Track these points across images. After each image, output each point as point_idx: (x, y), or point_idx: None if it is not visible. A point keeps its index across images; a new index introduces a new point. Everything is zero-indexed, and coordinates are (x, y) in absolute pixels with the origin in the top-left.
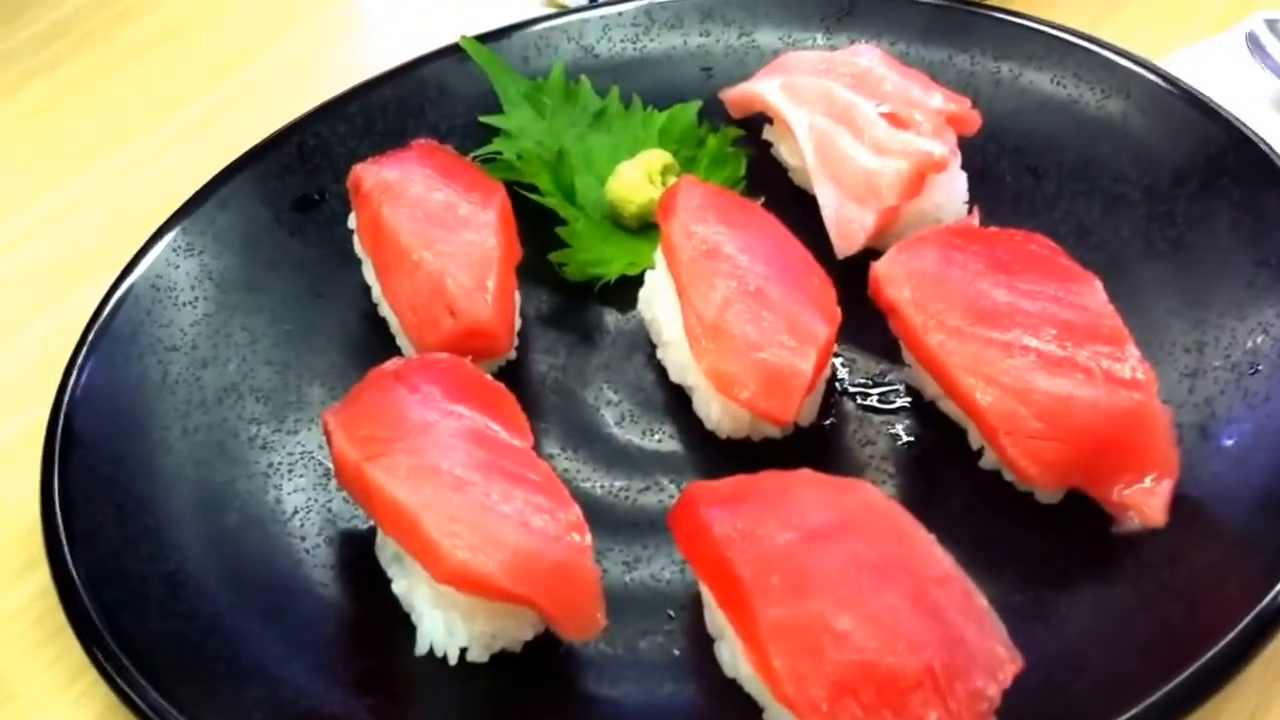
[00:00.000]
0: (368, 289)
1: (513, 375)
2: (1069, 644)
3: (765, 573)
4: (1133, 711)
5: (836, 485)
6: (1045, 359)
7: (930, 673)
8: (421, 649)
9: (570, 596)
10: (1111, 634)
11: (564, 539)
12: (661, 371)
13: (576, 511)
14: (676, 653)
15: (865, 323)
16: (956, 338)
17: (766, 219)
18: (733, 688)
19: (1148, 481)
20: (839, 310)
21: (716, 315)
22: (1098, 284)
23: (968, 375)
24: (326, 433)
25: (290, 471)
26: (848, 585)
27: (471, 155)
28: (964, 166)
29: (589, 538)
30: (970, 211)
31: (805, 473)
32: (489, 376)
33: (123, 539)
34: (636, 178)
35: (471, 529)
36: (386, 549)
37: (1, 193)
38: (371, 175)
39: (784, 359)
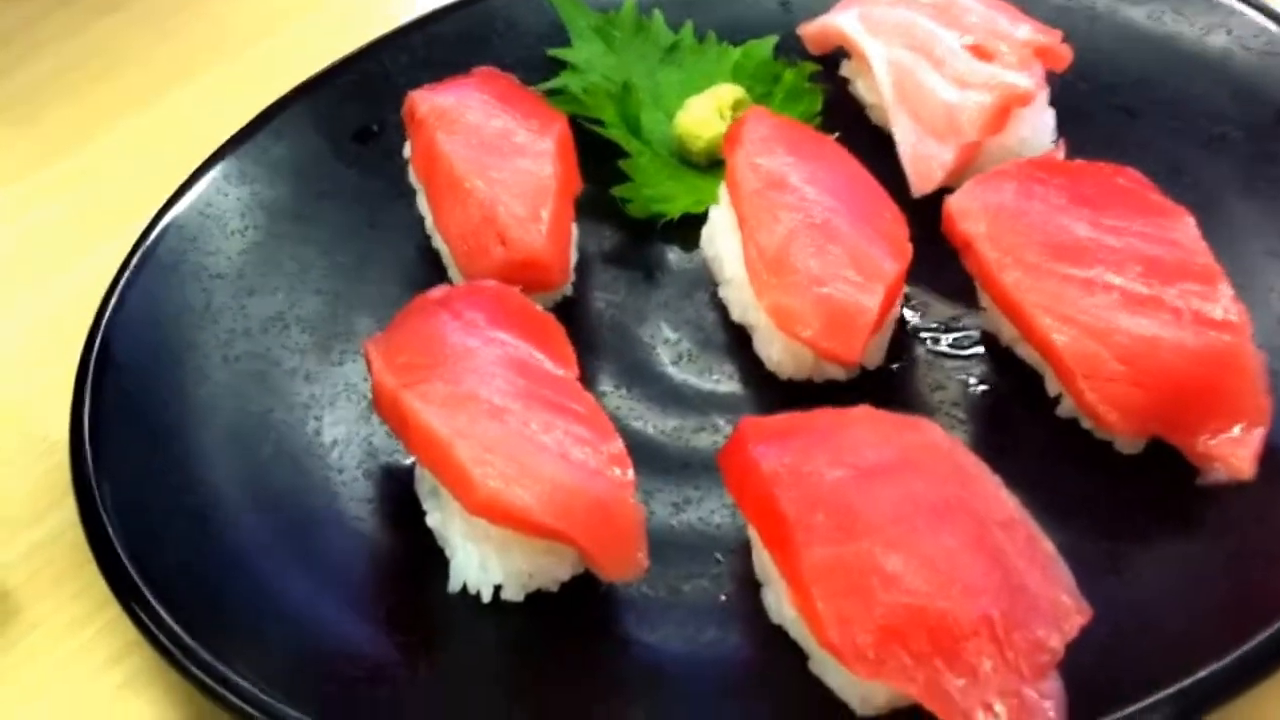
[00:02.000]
0: (423, 222)
1: (568, 311)
2: (1142, 600)
3: (812, 510)
4: (1205, 673)
5: (896, 423)
6: (1129, 297)
7: (987, 620)
8: (454, 586)
9: (610, 534)
10: (1188, 592)
11: (605, 473)
12: (723, 310)
13: (620, 445)
14: (722, 598)
15: (940, 265)
16: (1033, 275)
17: (838, 152)
18: (778, 635)
19: (1236, 431)
20: (910, 247)
21: (779, 249)
22: (1190, 219)
23: (1044, 314)
24: (367, 361)
25: (332, 404)
26: (901, 525)
27: (536, 89)
28: (1052, 103)
29: (632, 473)
30: (1055, 145)
31: (864, 409)
32: (539, 307)
33: (152, 467)
34: (706, 112)
35: (506, 459)
36: (424, 481)
37: (55, 130)
38: (426, 101)
39: (849, 295)
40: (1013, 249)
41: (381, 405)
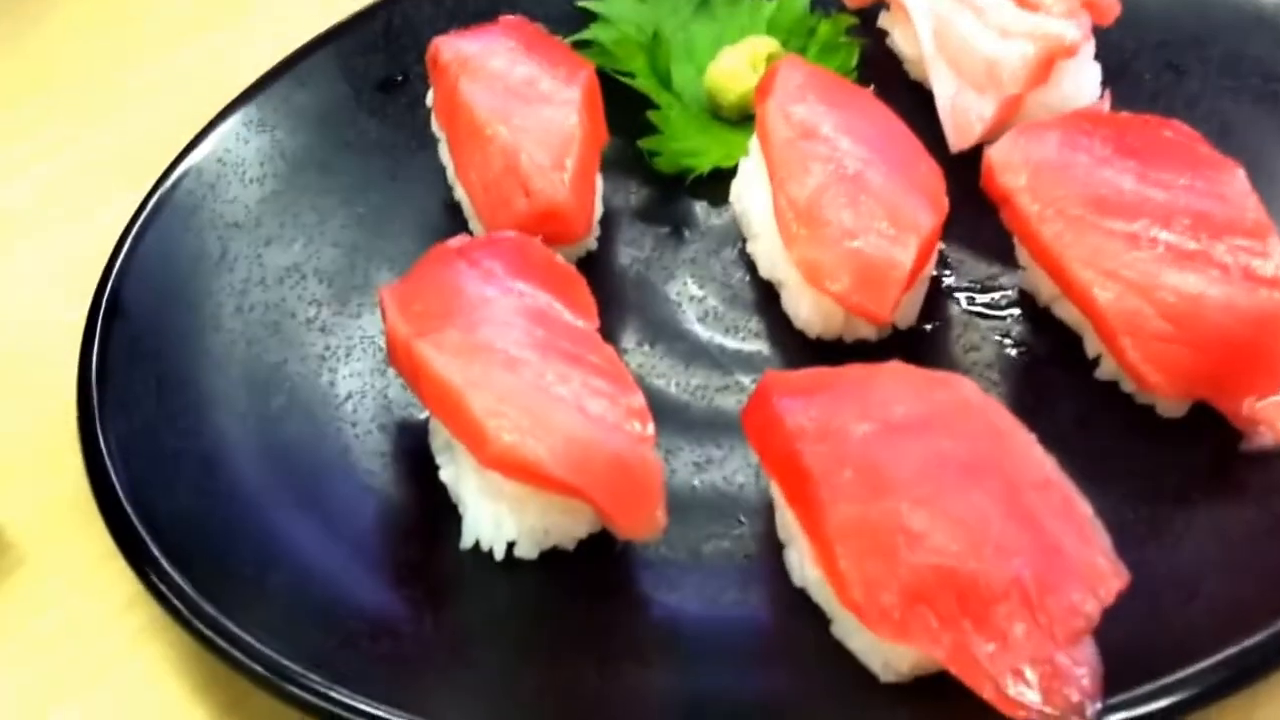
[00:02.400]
0: (446, 174)
1: (592, 266)
2: (1183, 567)
3: (838, 466)
4: (1248, 643)
5: (928, 378)
6: (1175, 253)
7: (1019, 583)
8: (466, 543)
9: (628, 490)
10: (1231, 559)
11: (624, 427)
12: (751, 267)
13: (640, 399)
14: (743, 559)
15: (977, 223)
16: (1076, 228)
17: (873, 103)
18: (800, 598)
19: None
20: (947, 201)
21: (810, 200)
22: (1240, 172)
23: (1086, 269)
24: (382, 310)
25: (348, 355)
26: (930, 483)
27: (565, 40)
28: (1098, 59)
29: (652, 427)
30: (1100, 99)
31: (894, 364)
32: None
33: (160, 413)
34: (738, 64)
35: (521, 410)
36: (438, 435)
37: (74, 81)
38: (450, 47)
39: (882, 249)
40: (1054, 202)
41: (395, 355)
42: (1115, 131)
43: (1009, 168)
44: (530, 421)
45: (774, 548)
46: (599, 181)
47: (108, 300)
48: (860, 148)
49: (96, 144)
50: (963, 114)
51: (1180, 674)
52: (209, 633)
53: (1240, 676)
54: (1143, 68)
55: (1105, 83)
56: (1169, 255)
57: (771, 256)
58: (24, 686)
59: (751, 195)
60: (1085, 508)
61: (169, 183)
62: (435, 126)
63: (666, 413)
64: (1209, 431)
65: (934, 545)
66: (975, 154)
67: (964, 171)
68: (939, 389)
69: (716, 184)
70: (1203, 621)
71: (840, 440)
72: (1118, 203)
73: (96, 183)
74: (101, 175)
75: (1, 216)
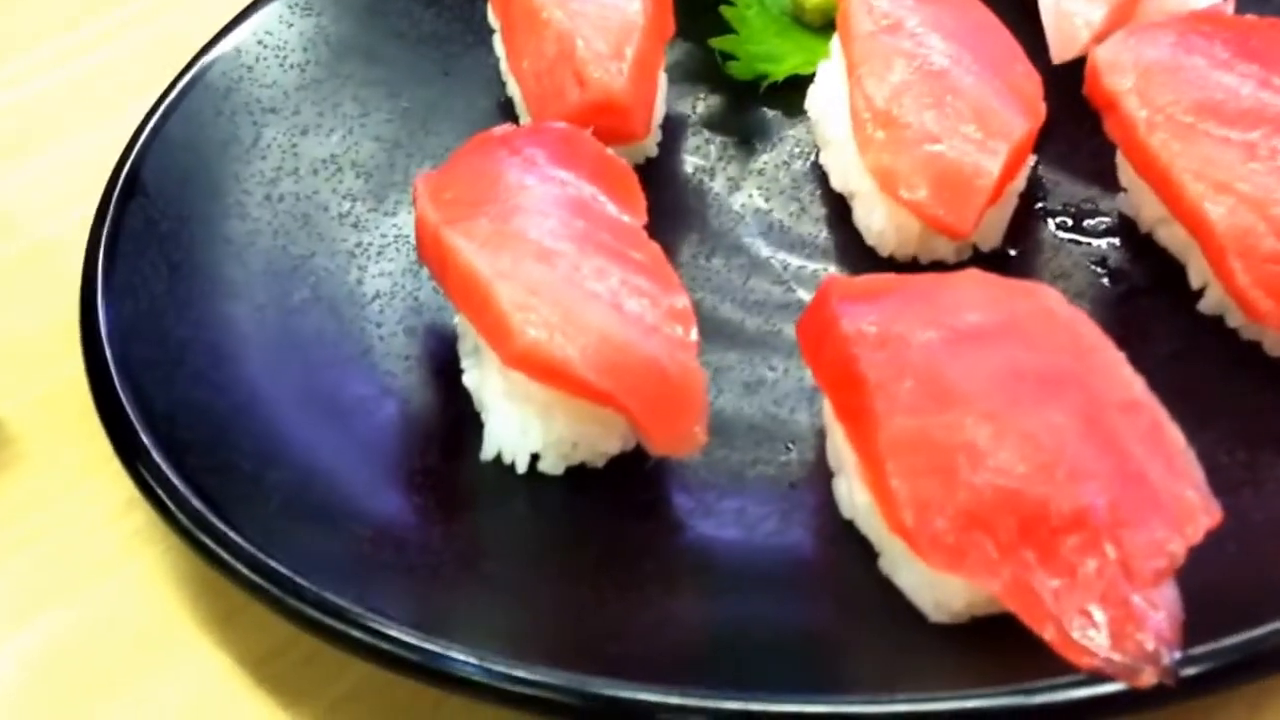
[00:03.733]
0: (500, 69)
1: (651, 172)
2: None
3: (897, 375)
4: None
5: (1008, 286)
6: None
7: (1093, 512)
8: (488, 453)
9: (664, 398)
10: None
11: (663, 330)
12: (824, 181)
13: (685, 300)
14: (788, 487)
15: (1078, 142)
16: (1186, 136)
17: (968, 1)
18: (847, 530)
19: None
20: (1044, 107)
21: (890, 99)
22: None
23: (1197, 181)
24: (415, 198)
25: (380, 254)
26: (999, 397)
27: None
28: None
29: (695, 333)
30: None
31: (971, 271)
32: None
33: (170, 299)
34: None
35: (551, 305)
36: (468, 338)
37: None
38: None
39: (967, 154)
40: (1164, 107)
41: (423, 246)
42: (1237, 34)
43: (1116, 68)
44: (560, 317)
45: (823, 477)
46: (662, 80)
47: (126, 177)
48: (950, 44)
49: (136, 38)
50: (1068, 19)
51: (1267, 627)
52: (191, 526)
53: None
54: None
55: None
56: None
57: (845, 165)
58: (14, 587)
59: (830, 99)
60: (1178, 436)
61: (203, 62)
62: (491, 15)
63: (718, 328)
64: None
65: (998, 464)
66: (1080, 66)
67: (1067, 85)
68: (1020, 297)
69: (794, 93)
70: None
71: (902, 347)
72: (1235, 110)
73: (133, 79)
74: (142, 65)
75: (34, 111)
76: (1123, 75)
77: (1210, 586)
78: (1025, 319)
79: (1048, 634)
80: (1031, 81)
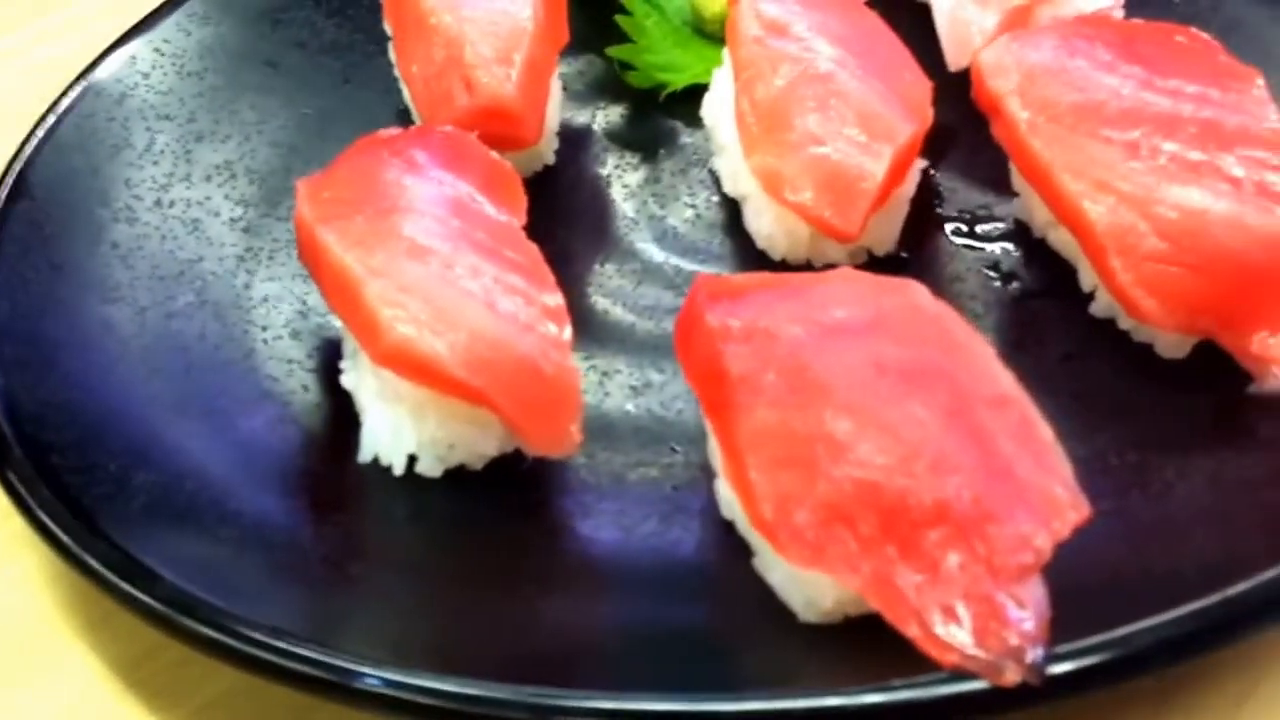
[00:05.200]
0: (396, 77)
1: (547, 181)
2: (1171, 516)
3: (760, 369)
4: (1237, 590)
5: (877, 283)
6: (1179, 164)
7: (956, 505)
8: (365, 456)
9: (538, 397)
10: (1227, 510)
11: (537, 328)
12: (720, 187)
13: (559, 299)
14: (670, 489)
15: (974, 150)
16: (1066, 137)
17: (858, 6)
18: (726, 531)
19: None
20: (931, 112)
21: (774, 102)
22: (1260, 81)
23: (1076, 180)
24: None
25: (270, 259)
26: (862, 390)
27: None
28: None
29: (569, 331)
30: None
31: (843, 269)
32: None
33: (48, 300)
34: None
35: (423, 302)
36: (349, 340)
37: None
38: None
39: (850, 157)
40: (1045, 108)
41: (301, 246)
42: (1122, 37)
43: (999, 71)
44: (431, 314)
45: (706, 480)
46: (557, 87)
47: (14, 181)
48: (837, 49)
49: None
50: (961, 27)
51: (1140, 625)
52: (48, 521)
53: (1208, 634)
54: None
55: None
56: (1171, 167)
57: (735, 170)
58: None
59: (722, 106)
60: (1046, 432)
61: (98, 69)
62: (387, 23)
63: (608, 332)
64: (1213, 374)
65: (858, 457)
66: None
67: (965, 93)
68: (888, 294)
69: (694, 102)
70: (1191, 572)
71: (767, 341)
72: (1117, 110)
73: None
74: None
75: None
76: (1006, 78)
77: (1094, 587)
78: (893, 314)
79: (910, 630)
80: (920, 86)
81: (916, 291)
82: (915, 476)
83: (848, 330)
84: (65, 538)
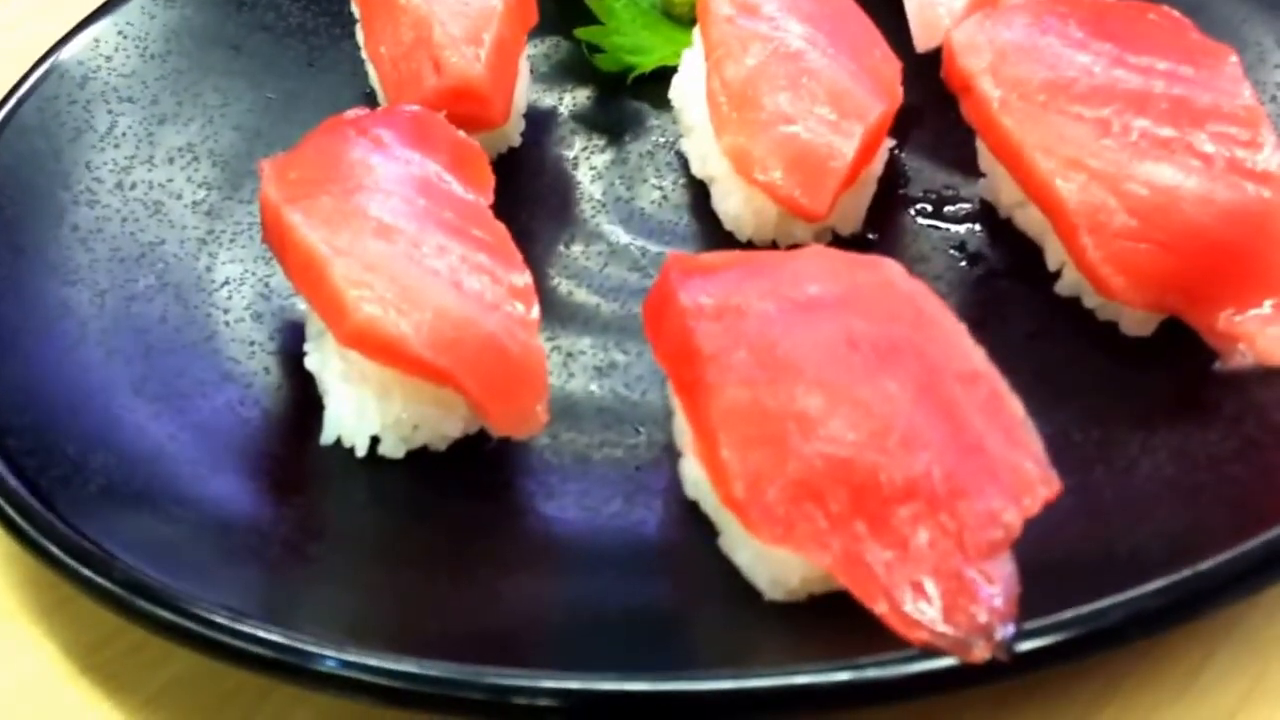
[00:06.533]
0: (364, 61)
1: (514, 162)
2: (1135, 491)
3: (731, 346)
4: (1201, 567)
5: (849, 260)
6: (1151, 141)
7: (925, 481)
8: (328, 437)
9: (504, 377)
10: (1191, 485)
11: (503, 307)
12: (688, 168)
13: (526, 278)
14: (634, 470)
15: (941, 131)
16: (1038, 115)
17: None
18: (690, 511)
19: (1267, 307)
20: (901, 91)
21: (744, 81)
22: (1233, 58)
23: (1047, 158)
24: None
25: (233, 241)
26: (833, 366)
27: None
28: None
29: (537, 311)
30: None
31: (814, 247)
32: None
33: (7, 283)
34: None
35: (388, 282)
36: (313, 321)
37: None
38: None
39: (821, 136)
40: (1017, 86)
41: (266, 227)
42: (1094, 15)
43: (971, 49)
44: (396, 294)
45: (670, 460)
46: (525, 68)
47: None
48: (807, 28)
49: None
50: (931, 8)
51: (1110, 600)
52: (7, 508)
53: (1173, 608)
54: None
55: None
56: (1142, 144)
57: (704, 151)
58: None
59: (691, 87)
60: (1017, 408)
61: (59, 52)
62: (354, 4)
63: (573, 313)
64: (1178, 351)
65: (828, 433)
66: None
67: (933, 74)
68: (859, 270)
69: (662, 85)
70: (1154, 549)
71: (738, 319)
72: (1088, 87)
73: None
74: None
75: None
76: (978, 56)
77: (1058, 564)
78: (865, 291)
79: (879, 607)
80: (889, 65)
81: (889, 268)
82: (886, 452)
83: (820, 306)
84: (21, 521)
